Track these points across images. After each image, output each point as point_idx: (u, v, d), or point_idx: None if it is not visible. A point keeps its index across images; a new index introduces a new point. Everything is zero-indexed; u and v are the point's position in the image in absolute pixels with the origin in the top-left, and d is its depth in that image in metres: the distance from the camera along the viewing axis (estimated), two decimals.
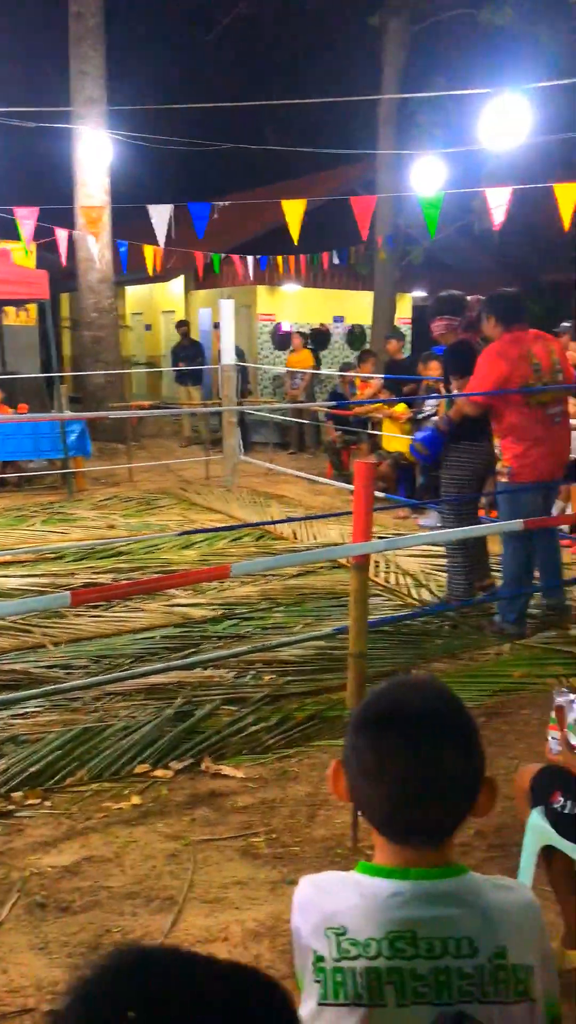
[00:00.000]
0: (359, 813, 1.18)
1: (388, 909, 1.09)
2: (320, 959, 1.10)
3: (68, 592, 2.76)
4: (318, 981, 1.10)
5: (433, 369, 8.56)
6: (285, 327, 15.62)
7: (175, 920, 2.50)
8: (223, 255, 11.26)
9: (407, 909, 1.09)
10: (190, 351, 13.16)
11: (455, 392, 5.01)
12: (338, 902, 1.13)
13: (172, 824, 3.00)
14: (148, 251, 9.66)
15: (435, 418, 5.38)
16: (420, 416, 8.64)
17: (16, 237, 9.78)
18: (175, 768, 3.35)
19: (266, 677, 4.10)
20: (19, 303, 11.57)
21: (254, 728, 3.62)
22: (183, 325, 13.61)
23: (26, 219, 8.61)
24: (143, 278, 14.36)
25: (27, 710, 3.74)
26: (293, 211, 8.14)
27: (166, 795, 3.19)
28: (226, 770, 3.35)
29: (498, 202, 7.98)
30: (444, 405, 5.54)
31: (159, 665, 4.06)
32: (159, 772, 3.32)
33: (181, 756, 3.42)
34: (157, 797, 3.17)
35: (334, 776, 1.21)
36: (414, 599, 5.30)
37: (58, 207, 10.78)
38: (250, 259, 11.32)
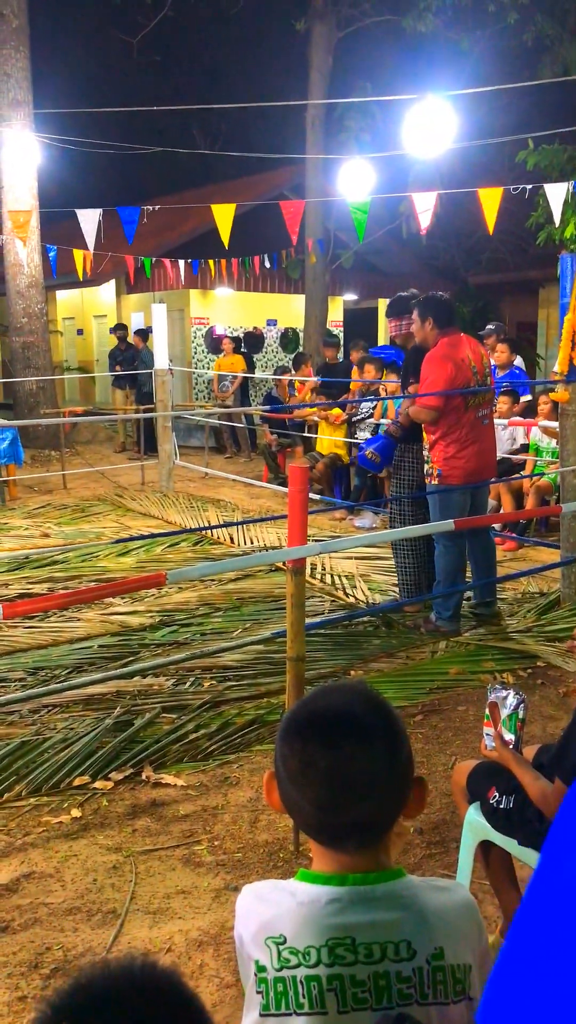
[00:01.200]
0: (293, 820, 1.18)
1: (326, 916, 1.10)
2: (262, 969, 1.10)
3: None
4: (260, 991, 1.10)
5: (368, 372, 8.66)
6: (219, 331, 15.59)
7: (117, 934, 2.48)
8: (154, 259, 11.18)
9: (345, 915, 1.10)
10: (127, 355, 13.04)
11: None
12: (277, 910, 1.13)
13: (113, 836, 2.97)
14: (78, 255, 9.55)
15: (386, 424, 5.39)
16: (356, 419, 8.72)
17: None
18: (115, 779, 3.32)
19: (206, 683, 4.09)
20: None
21: (195, 735, 3.61)
22: (120, 329, 13.49)
23: None
24: (74, 282, 14.17)
25: None
26: (223, 215, 8.14)
27: (106, 807, 3.15)
28: (167, 779, 3.33)
29: (424, 206, 8.11)
30: (392, 408, 5.58)
31: (97, 675, 4.01)
32: (99, 784, 3.29)
33: (121, 766, 3.39)
34: (97, 809, 3.14)
35: (267, 786, 1.21)
36: (351, 600, 5.34)
37: None
38: (181, 263, 11.28)
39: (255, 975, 1.11)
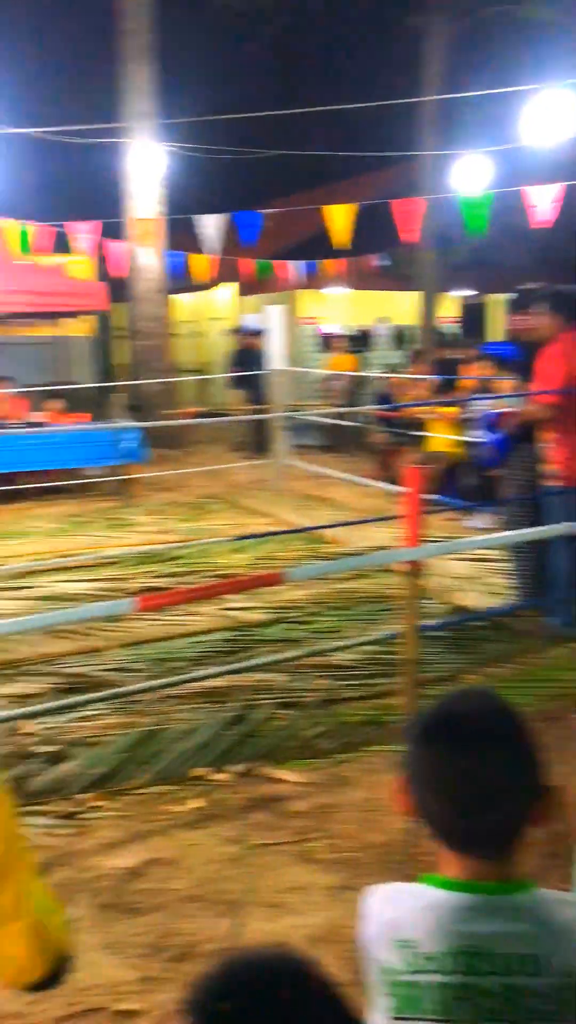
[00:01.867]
0: (423, 825, 1.21)
1: (457, 923, 1.11)
2: (391, 971, 1.12)
3: (134, 598, 2.85)
4: (388, 994, 1.12)
5: (482, 369, 8.53)
6: (326, 330, 15.65)
7: (237, 924, 2.57)
8: (269, 262, 11.35)
9: (476, 924, 1.11)
10: (243, 356, 13.27)
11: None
12: (405, 914, 1.14)
13: (231, 828, 3.07)
14: (200, 260, 9.79)
15: (507, 419, 5.26)
16: (475, 417, 8.59)
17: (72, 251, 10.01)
18: (232, 772, 3.42)
19: (319, 681, 4.16)
20: (77, 315, 11.81)
21: (308, 733, 3.68)
22: (240, 331, 13.74)
23: (84, 233, 8.80)
24: (193, 287, 14.52)
25: (90, 713, 3.85)
26: (338, 216, 8.18)
27: (225, 799, 3.26)
28: (282, 774, 3.41)
29: (543, 199, 7.92)
30: (507, 406, 5.49)
31: (215, 669, 4.14)
32: (217, 776, 3.40)
33: (238, 760, 3.49)
34: (216, 801, 3.25)
35: (397, 790, 1.24)
36: (463, 603, 5.30)
37: (113, 220, 10.98)
38: (296, 264, 11.40)
39: (383, 977, 1.13)
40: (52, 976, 1.14)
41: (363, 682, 4.15)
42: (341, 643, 4.44)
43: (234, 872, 2.83)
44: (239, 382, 13.19)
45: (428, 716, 1.22)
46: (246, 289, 16.86)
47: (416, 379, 10.47)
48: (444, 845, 1.18)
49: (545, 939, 1.10)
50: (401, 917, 1.15)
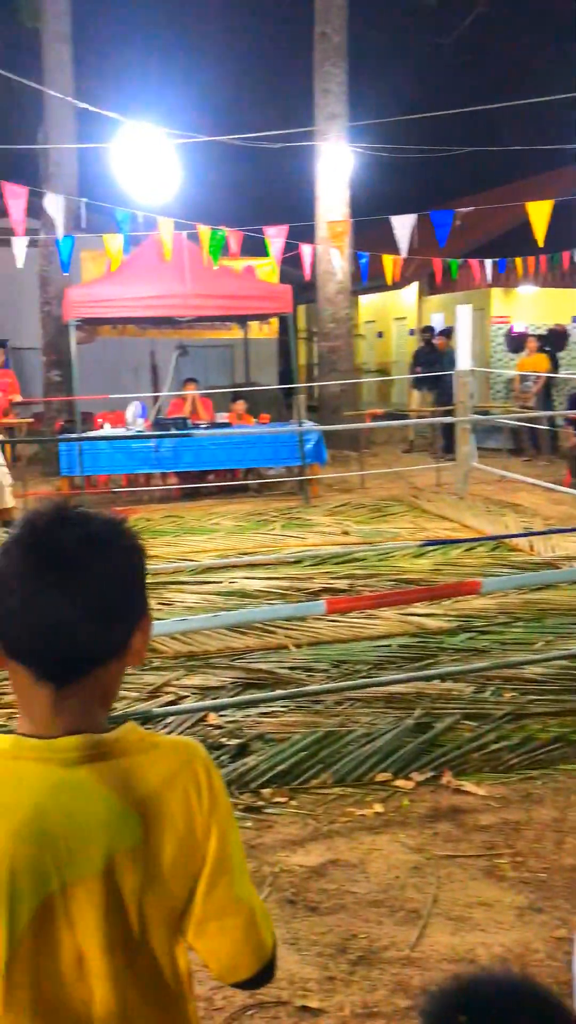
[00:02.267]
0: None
1: None
2: None
3: (323, 600, 2.86)
4: None
5: None
6: (518, 329, 15.16)
7: (420, 934, 2.52)
8: (461, 260, 11.14)
9: None
10: (430, 356, 13.13)
11: None
12: None
13: (414, 836, 3.02)
14: (387, 260, 9.77)
15: None
16: None
17: (262, 254, 10.25)
18: (416, 779, 3.37)
19: (507, 694, 4.01)
20: (264, 317, 12.11)
21: (495, 746, 3.56)
22: (426, 331, 13.62)
23: (275, 237, 9.00)
24: (379, 287, 14.50)
25: (273, 709, 3.90)
26: (538, 211, 7.89)
27: (407, 806, 3.21)
28: (467, 786, 3.32)
29: None
30: None
31: (398, 675, 4.09)
32: (400, 782, 3.35)
33: (421, 768, 3.43)
34: (398, 807, 3.20)
35: None
36: None
37: (303, 224, 11.17)
38: (488, 262, 11.12)
39: None
40: (260, 975, 1.13)
41: (554, 698, 3.97)
42: (531, 656, 4.27)
43: (417, 881, 2.78)
44: (422, 383, 13.06)
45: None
46: (431, 288, 16.65)
47: None
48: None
49: None
50: None
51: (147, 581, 1.12)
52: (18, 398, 11.89)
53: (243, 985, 1.15)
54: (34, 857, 0.99)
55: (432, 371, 12.58)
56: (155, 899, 1.04)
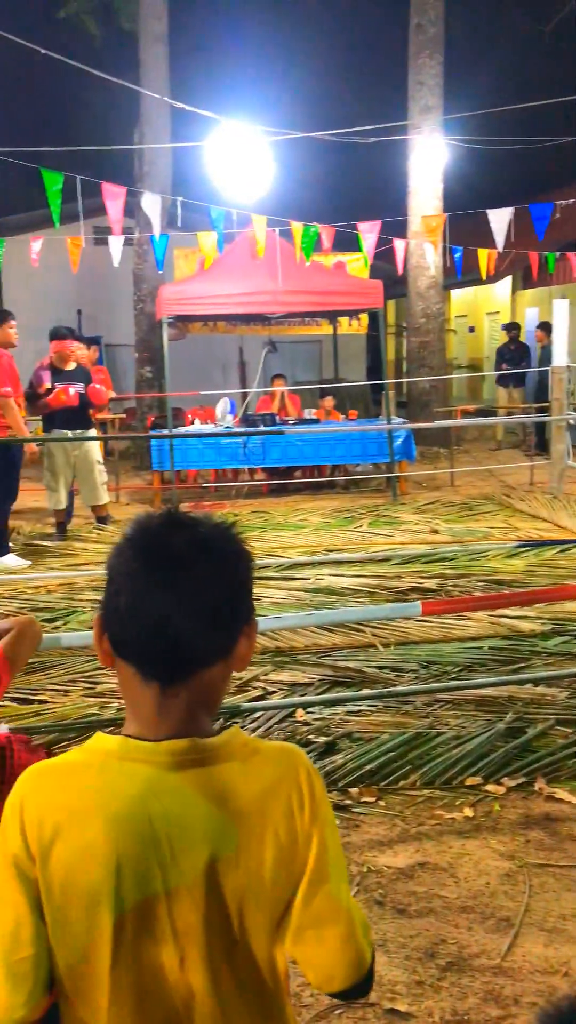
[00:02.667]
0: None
1: None
2: None
3: (418, 602, 2.82)
4: None
5: None
6: None
7: (512, 943, 2.46)
8: (558, 253, 10.86)
9: None
10: (515, 353, 12.87)
11: None
12: None
13: (505, 843, 2.96)
14: (482, 255, 9.60)
15: None
16: None
17: (354, 249, 10.21)
18: (507, 785, 3.30)
19: None
20: (354, 313, 12.07)
21: None
22: (512, 328, 13.35)
23: (368, 232, 8.96)
24: (472, 281, 14.27)
25: (361, 708, 3.88)
26: None
27: (498, 811, 3.15)
28: (561, 794, 3.23)
29: None
30: None
31: (490, 678, 4.02)
32: (491, 787, 3.29)
33: (513, 773, 3.36)
34: (489, 812, 3.14)
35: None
36: None
37: (396, 219, 11.09)
38: None
39: None
40: (358, 986, 1.12)
41: None
42: None
43: (508, 888, 2.72)
44: (507, 380, 12.79)
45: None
46: (525, 283, 16.28)
47: None
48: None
49: None
50: None
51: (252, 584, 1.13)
52: (112, 394, 12.16)
53: (341, 995, 1.14)
54: (139, 856, 1.01)
55: (517, 368, 12.32)
56: (255, 905, 1.04)
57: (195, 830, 1.02)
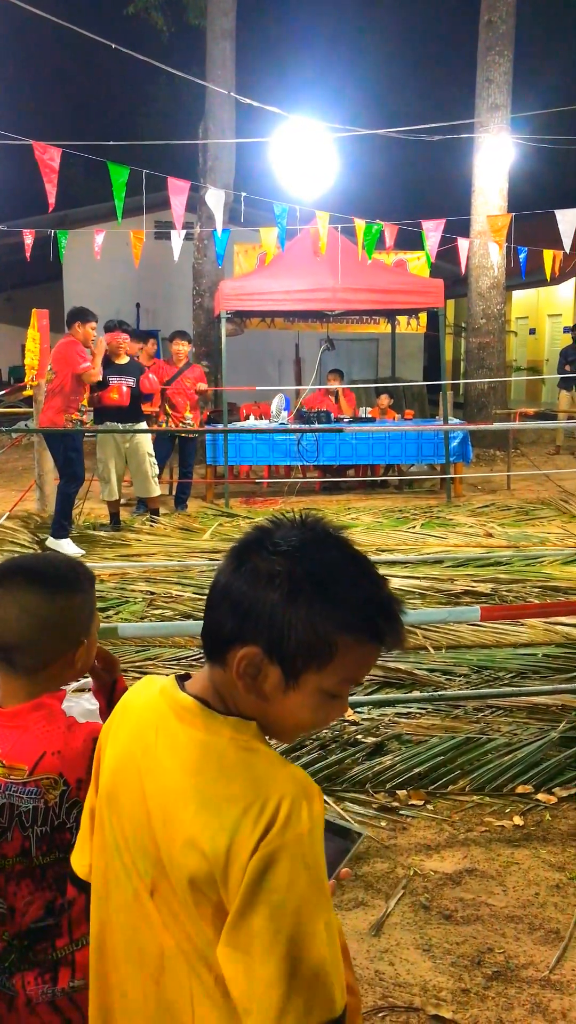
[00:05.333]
0: None
1: None
2: None
3: (477, 607, 2.78)
4: None
5: None
6: None
7: (561, 956, 2.42)
8: None
9: None
10: None
11: None
12: None
13: (556, 853, 2.91)
14: (547, 255, 9.45)
15: None
16: None
17: (416, 247, 10.12)
18: (559, 795, 3.24)
19: None
20: (415, 312, 11.98)
21: None
22: (575, 329, 13.12)
23: (432, 231, 8.88)
24: (533, 283, 14.06)
25: (411, 710, 3.85)
26: None
27: (549, 821, 3.09)
28: None
29: None
30: None
31: (544, 686, 3.95)
32: (542, 796, 3.23)
33: (565, 783, 3.30)
34: (540, 822, 3.09)
35: None
36: None
37: (461, 218, 10.97)
38: None
39: None
40: None
41: None
42: None
43: (558, 900, 2.67)
44: (571, 383, 12.57)
45: None
46: None
47: None
48: None
49: None
50: None
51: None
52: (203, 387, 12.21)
53: None
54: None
55: None
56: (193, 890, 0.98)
57: (156, 778, 1.05)
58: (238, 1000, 0.93)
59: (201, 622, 1.08)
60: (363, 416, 10.42)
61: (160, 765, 1.03)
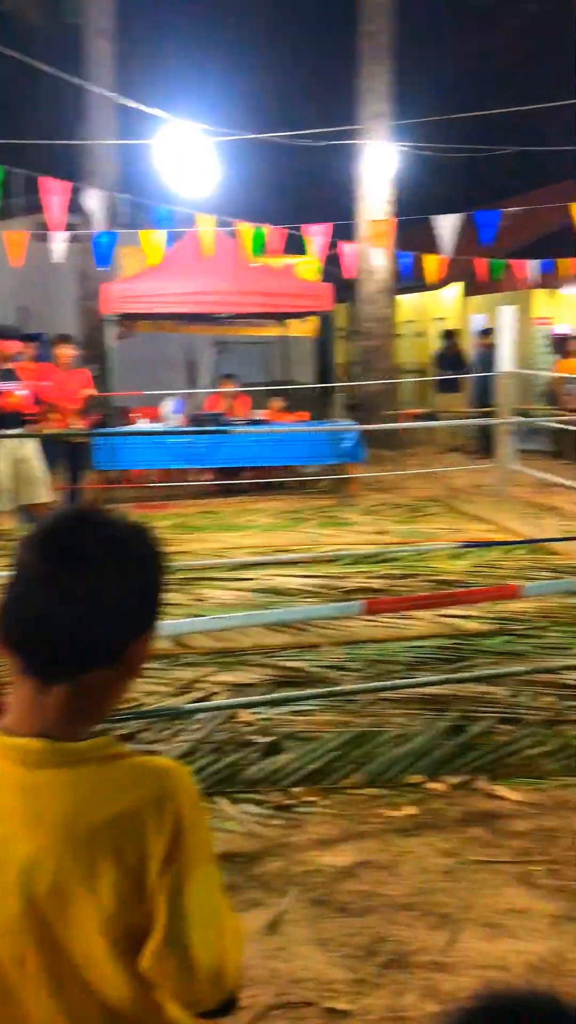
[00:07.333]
0: None
1: None
2: None
3: (361, 601, 2.82)
4: None
5: None
6: (561, 331, 14.94)
7: (452, 939, 2.46)
8: (504, 261, 11.02)
9: None
10: (452, 360, 13.08)
11: None
12: None
13: (447, 840, 2.97)
14: (430, 261, 9.69)
15: None
16: None
17: (300, 252, 10.22)
18: (449, 783, 3.31)
19: (544, 699, 3.94)
20: (303, 315, 12.08)
21: (531, 751, 3.49)
22: (449, 336, 13.57)
23: (316, 235, 8.98)
24: (420, 287, 14.40)
25: (305, 708, 3.87)
26: None
27: (440, 809, 3.16)
28: (501, 791, 3.26)
29: None
30: None
31: (433, 676, 4.04)
32: (433, 785, 3.30)
33: (455, 771, 3.38)
34: (431, 810, 3.15)
35: None
36: None
37: (345, 223, 11.14)
38: (532, 263, 10.98)
39: None
40: (220, 1009, 1.06)
41: None
42: (570, 661, 4.19)
43: (449, 885, 2.73)
44: (445, 386, 12.96)
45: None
46: (473, 289, 16.48)
47: None
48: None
49: None
50: None
51: (162, 592, 1.08)
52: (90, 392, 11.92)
53: (206, 1015, 1.07)
54: None
55: (455, 374, 12.50)
56: (90, 929, 0.97)
57: (20, 835, 0.97)
58: (171, 973, 0.98)
59: None
60: (257, 419, 10.44)
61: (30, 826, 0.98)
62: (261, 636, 4.75)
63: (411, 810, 3.14)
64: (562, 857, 2.85)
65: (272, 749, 3.52)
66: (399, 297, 18.92)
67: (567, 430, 11.59)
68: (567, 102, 10.38)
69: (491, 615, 5.06)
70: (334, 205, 13.36)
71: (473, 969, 2.36)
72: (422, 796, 3.23)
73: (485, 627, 4.88)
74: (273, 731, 3.65)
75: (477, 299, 16.68)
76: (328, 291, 9.53)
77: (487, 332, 12.65)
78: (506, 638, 4.74)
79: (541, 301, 15.16)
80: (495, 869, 2.80)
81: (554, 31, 20.71)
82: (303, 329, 13.07)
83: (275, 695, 3.92)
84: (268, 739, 3.57)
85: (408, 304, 19.93)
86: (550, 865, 2.81)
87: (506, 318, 9.17)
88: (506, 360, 9.10)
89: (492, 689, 4.02)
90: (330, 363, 10.61)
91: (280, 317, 12.02)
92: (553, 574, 5.86)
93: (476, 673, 4.04)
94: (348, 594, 5.46)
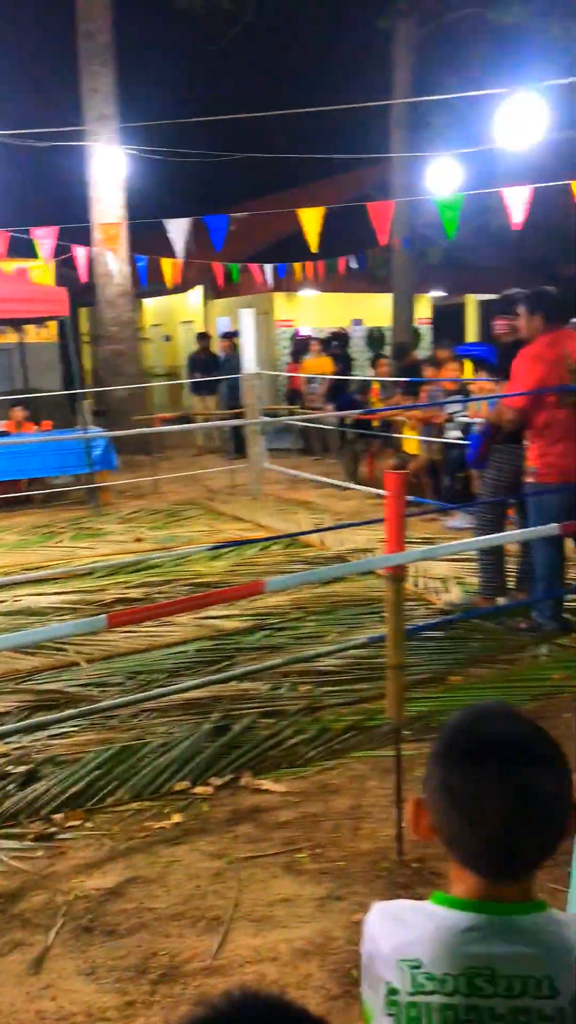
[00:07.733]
0: (448, 850, 1.13)
1: (465, 944, 1.05)
2: (394, 991, 1.06)
3: (104, 615, 2.74)
4: (391, 1014, 1.06)
5: (450, 371, 8.50)
6: (303, 332, 15.60)
7: (222, 941, 2.47)
8: (240, 265, 11.28)
9: (485, 945, 1.05)
10: (206, 362, 13.22)
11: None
12: (412, 933, 1.09)
13: (215, 842, 2.97)
14: (166, 264, 9.70)
15: (478, 424, 5.37)
16: (452, 420, 8.55)
17: (34, 256, 9.84)
18: (215, 784, 3.32)
19: (302, 688, 4.07)
20: (39, 321, 11.64)
21: (293, 741, 3.59)
22: (203, 339, 13.68)
23: (44, 238, 8.67)
24: (162, 290, 14.40)
25: (64, 730, 3.72)
26: (310, 219, 8.13)
27: (207, 812, 3.16)
28: (266, 785, 3.32)
29: (516, 201, 7.92)
30: (485, 407, 5.50)
31: (194, 680, 4.04)
32: (199, 789, 3.29)
33: (220, 772, 3.39)
34: (198, 814, 3.14)
35: (415, 816, 1.15)
36: (443, 604, 5.24)
37: (76, 226, 10.86)
38: (268, 267, 11.34)
39: (385, 996, 1.07)
40: None
41: (347, 687, 4.07)
42: (324, 648, 4.35)
43: (218, 887, 2.73)
44: (200, 388, 13.11)
45: (456, 737, 1.12)
46: (215, 292, 16.76)
47: (385, 381, 10.43)
48: (468, 867, 1.10)
49: (559, 961, 1.05)
50: (408, 936, 1.09)
51: None
52: None
53: None
54: None
55: (209, 376, 12.68)
56: None
57: None
58: None
59: None
60: None
61: None
62: (13, 662, 4.52)
63: (177, 818, 3.11)
64: (325, 840, 2.95)
65: (30, 778, 3.35)
66: (144, 300, 18.87)
67: (316, 428, 12.12)
68: (295, 111, 10.78)
69: (249, 612, 5.16)
70: (67, 207, 13.00)
71: (245, 966, 2.37)
72: (188, 802, 3.22)
73: (244, 625, 4.96)
74: (30, 759, 3.48)
75: (221, 302, 17.01)
76: (63, 295, 9.25)
77: (231, 335, 12.90)
78: (264, 633, 4.84)
79: (282, 304, 15.72)
80: (263, 863, 2.85)
81: (275, 40, 21.52)
82: (43, 335, 12.63)
83: (28, 721, 3.73)
84: (25, 768, 3.39)
85: (154, 307, 19.92)
86: (315, 849, 2.90)
87: (247, 320, 9.39)
88: (251, 361, 9.33)
89: (253, 685, 4.09)
90: (75, 369, 10.31)
91: (15, 323, 11.51)
92: (306, 566, 6.08)
93: (236, 671, 4.09)
94: (107, 607, 5.35)
